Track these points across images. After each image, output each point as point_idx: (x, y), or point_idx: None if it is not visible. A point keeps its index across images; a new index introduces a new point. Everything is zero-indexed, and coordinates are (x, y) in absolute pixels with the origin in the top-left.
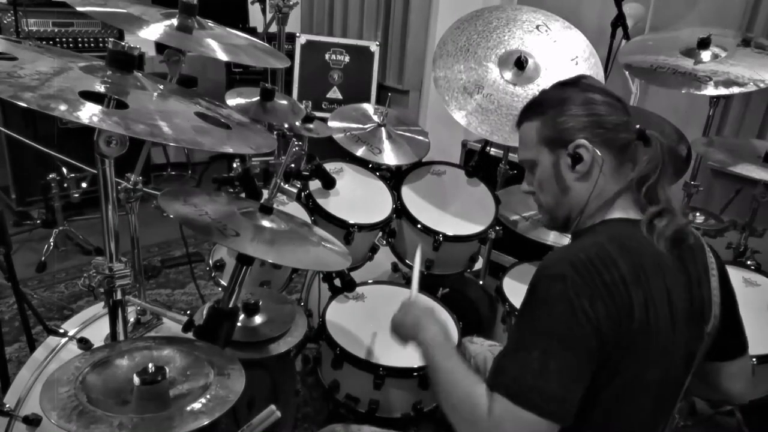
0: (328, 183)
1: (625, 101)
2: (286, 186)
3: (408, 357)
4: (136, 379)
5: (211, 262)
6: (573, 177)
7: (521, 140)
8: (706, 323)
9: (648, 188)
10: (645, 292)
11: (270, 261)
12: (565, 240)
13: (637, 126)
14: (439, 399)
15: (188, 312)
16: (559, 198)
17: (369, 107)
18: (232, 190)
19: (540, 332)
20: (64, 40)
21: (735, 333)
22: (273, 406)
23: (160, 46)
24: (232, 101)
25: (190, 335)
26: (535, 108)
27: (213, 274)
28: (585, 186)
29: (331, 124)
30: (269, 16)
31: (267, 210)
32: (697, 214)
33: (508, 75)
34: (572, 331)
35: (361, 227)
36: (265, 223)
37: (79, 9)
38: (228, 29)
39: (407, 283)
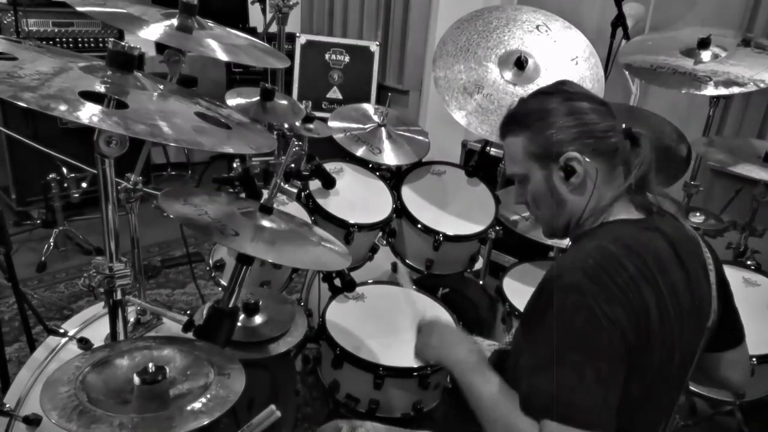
0: (328, 183)
1: (606, 102)
2: (286, 186)
3: (408, 357)
4: (136, 379)
5: (211, 262)
6: (567, 189)
7: (507, 154)
8: (707, 319)
9: (645, 186)
10: (654, 290)
11: (270, 261)
12: (564, 241)
13: (623, 126)
14: (480, 421)
15: (188, 312)
16: (555, 210)
17: (369, 107)
18: (232, 190)
19: (567, 346)
20: (64, 40)
21: (732, 324)
22: (273, 406)
23: (160, 46)
24: (232, 101)
25: (190, 335)
26: (518, 121)
27: (213, 274)
28: (580, 196)
29: (331, 124)
30: (269, 16)
31: (267, 210)
32: (697, 214)
33: (508, 75)
34: (599, 340)
35: (361, 227)
36: (265, 223)
37: (79, 9)
38: (228, 29)
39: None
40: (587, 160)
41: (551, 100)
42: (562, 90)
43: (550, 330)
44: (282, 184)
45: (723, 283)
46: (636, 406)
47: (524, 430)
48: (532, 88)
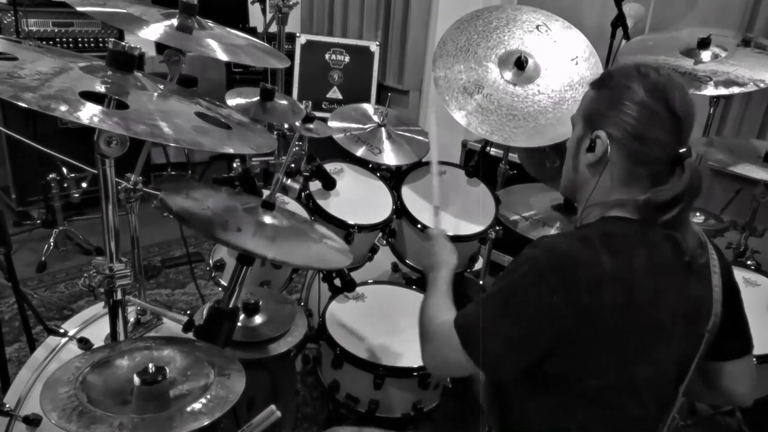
0: (329, 184)
1: (682, 117)
2: (289, 182)
3: (408, 357)
4: (137, 380)
5: (211, 262)
6: (585, 161)
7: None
8: (706, 322)
9: (672, 216)
10: (627, 293)
11: (271, 257)
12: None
13: (682, 150)
14: (422, 338)
15: (188, 312)
16: (570, 170)
17: (369, 107)
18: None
19: (500, 296)
20: (64, 40)
21: (738, 333)
22: (273, 406)
23: (160, 46)
24: (232, 101)
25: (190, 335)
26: (600, 81)
27: (213, 274)
28: (592, 177)
29: (331, 124)
30: (269, 16)
31: (269, 206)
32: (697, 214)
33: (508, 75)
34: (522, 307)
35: (361, 228)
36: (267, 219)
37: (79, 9)
38: (228, 29)
39: (407, 283)
40: (610, 147)
41: (635, 81)
42: (649, 79)
43: (502, 278)
44: (284, 180)
45: (730, 289)
46: (600, 406)
47: (459, 359)
48: (532, 88)
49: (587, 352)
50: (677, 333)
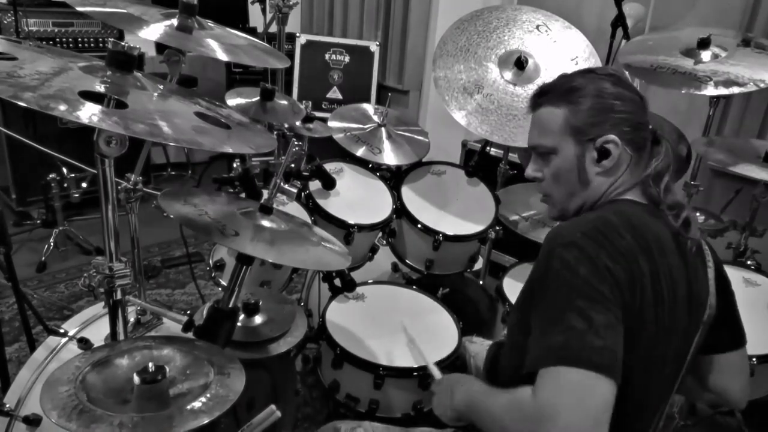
0: (328, 183)
1: (644, 97)
2: (286, 186)
3: (408, 357)
4: (136, 379)
5: (211, 262)
6: (596, 171)
7: (539, 124)
8: (703, 312)
9: (665, 184)
10: (651, 265)
11: (270, 261)
12: None
13: (650, 126)
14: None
15: (188, 312)
16: (576, 190)
17: (369, 107)
18: (232, 190)
19: (572, 295)
20: (64, 40)
21: (730, 325)
22: (273, 406)
23: (160, 46)
24: (232, 101)
25: (190, 335)
26: (562, 93)
27: (213, 274)
28: (606, 181)
29: (331, 124)
30: (269, 16)
31: (267, 210)
32: (697, 214)
33: (508, 75)
34: (603, 288)
35: (361, 227)
36: (265, 223)
37: (79, 9)
38: (228, 29)
39: (407, 283)
40: (625, 147)
41: (603, 82)
42: (614, 76)
43: (551, 287)
44: (282, 184)
45: (722, 282)
46: (631, 383)
47: (521, 391)
48: (532, 88)
49: (633, 320)
50: (684, 316)
